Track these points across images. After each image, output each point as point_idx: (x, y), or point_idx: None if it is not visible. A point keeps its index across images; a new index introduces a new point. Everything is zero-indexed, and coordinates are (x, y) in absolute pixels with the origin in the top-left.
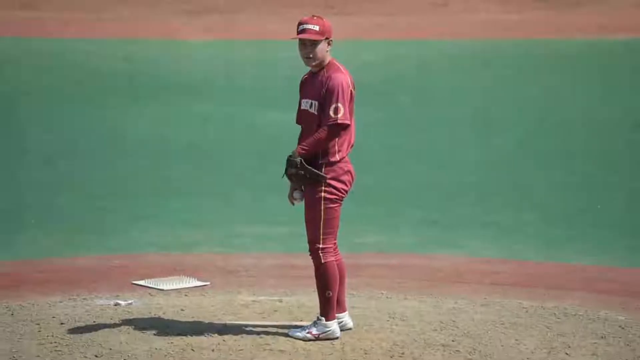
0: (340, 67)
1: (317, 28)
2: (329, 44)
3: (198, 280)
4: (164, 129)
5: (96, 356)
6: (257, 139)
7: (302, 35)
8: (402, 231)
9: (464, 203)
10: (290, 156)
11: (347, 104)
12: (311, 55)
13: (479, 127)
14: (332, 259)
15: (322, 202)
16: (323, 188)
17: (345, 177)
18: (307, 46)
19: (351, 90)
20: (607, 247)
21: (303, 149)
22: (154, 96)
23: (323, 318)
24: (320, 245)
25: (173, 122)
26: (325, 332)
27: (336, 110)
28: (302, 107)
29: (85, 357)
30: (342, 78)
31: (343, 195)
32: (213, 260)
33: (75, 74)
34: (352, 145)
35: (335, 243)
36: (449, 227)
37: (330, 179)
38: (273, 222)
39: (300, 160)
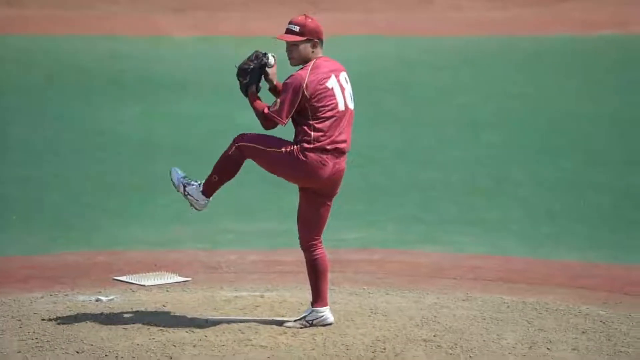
0: (317, 65)
1: (296, 29)
2: (313, 45)
3: (179, 276)
4: (150, 126)
5: (77, 352)
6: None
7: (279, 36)
8: (385, 227)
9: (447, 199)
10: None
11: (288, 103)
12: (290, 56)
13: (464, 124)
14: None
15: (283, 152)
16: (293, 150)
17: (314, 165)
18: (288, 46)
19: (322, 88)
20: (591, 243)
21: (253, 94)
22: (139, 93)
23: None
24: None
25: (159, 119)
26: (319, 317)
27: (275, 104)
28: None
29: (67, 353)
30: (296, 77)
31: (300, 176)
32: (195, 256)
33: (60, 71)
34: (338, 143)
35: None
36: (432, 224)
37: (300, 155)
38: (256, 219)
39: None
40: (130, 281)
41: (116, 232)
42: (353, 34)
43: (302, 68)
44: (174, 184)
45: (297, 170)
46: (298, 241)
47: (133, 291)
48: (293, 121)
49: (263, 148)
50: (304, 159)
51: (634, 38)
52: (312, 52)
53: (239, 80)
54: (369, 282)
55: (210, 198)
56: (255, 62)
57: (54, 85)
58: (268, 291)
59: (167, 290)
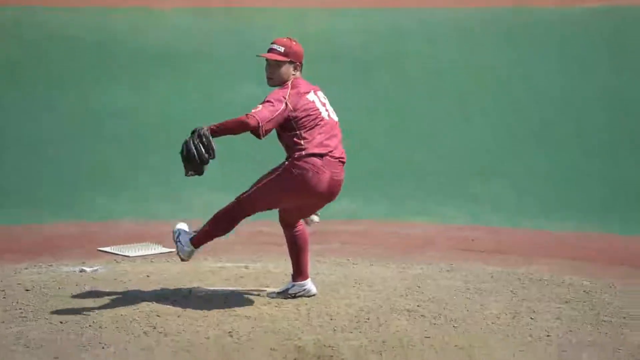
0: (295, 83)
1: (281, 49)
2: (295, 68)
3: (164, 247)
4: (138, 100)
5: (61, 322)
6: (232, 110)
7: (263, 54)
8: (371, 199)
9: (435, 173)
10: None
11: (269, 108)
12: (270, 76)
13: (454, 98)
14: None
15: (275, 175)
16: (285, 167)
17: (310, 175)
18: (270, 65)
19: (304, 100)
20: (576, 214)
21: (214, 126)
22: (127, 67)
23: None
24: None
25: (147, 93)
26: (301, 291)
27: (255, 107)
28: None
29: (51, 323)
30: (277, 91)
31: (301, 193)
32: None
33: (46, 44)
34: (328, 147)
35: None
36: (418, 197)
37: (290, 168)
38: (241, 190)
39: (205, 131)
40: (114, 252)
41: (99, 204)
42: (343, 6)
43: (281, 87)
44: (173, 230)
45: (295, 184)
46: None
47: (117, 262)
48: (281, 140)
49: (258, 186)
50: (298, 171)
51: (625, 9)
52: (293, 74)
53: (198, 159)
54: (354, 253)
55: (198, 249)
56: (197, 139)
57: (41, 59)
58: (252, 262)
59: (152, 261)
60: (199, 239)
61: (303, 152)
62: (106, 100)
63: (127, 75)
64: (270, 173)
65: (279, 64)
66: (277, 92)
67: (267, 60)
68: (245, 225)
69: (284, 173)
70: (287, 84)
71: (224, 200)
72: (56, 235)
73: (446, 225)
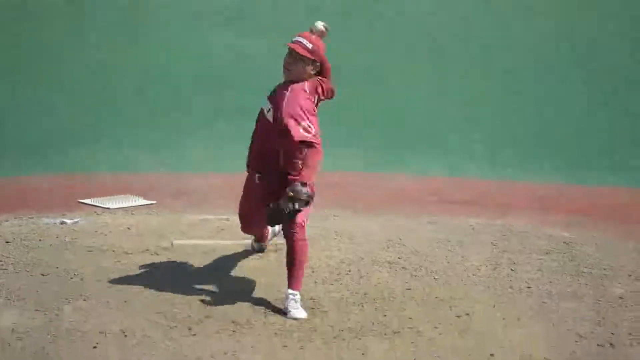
0: (311, 84)
1: (309, 46)
2: (314, 68)
3: (144, 199)
4: (113, 52)
5: (42, 275)
6: (209, 63)
7: (293, 45)
8: (351, 151)
9: (412, 123)
10: (297, 190)
11: (316, 122)
12: (289, 67)
13: (430, 48)
14: None
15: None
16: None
17: None
18: (291, 56)
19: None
20: (556, 165)
21: (311, 180)
22: (101, 18)
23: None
24: None
25: (122, 45)
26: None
27: (308, 131)
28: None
29: (32, 275)
30: (310, 102)
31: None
32: (161, 179)
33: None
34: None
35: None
36: (397, 147)
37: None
38: (221, 143)
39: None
40: (95, 204)
41: (79, 156)
42: None
43: (301, 88)
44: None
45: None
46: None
47: (98, 214)
48: (282, 146)
49: (306, 207)
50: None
51: None
52: (310, 74)
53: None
54: (334, 205)
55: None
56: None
57: (10, 12)
58: (234, 214)
59: (132, 214)
60: (299, 280)
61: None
62: (81, 56)
63: (99, 24)
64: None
65: (304, 59)
66: (307, 103)
67: (291, 51)
68: (227, 178)
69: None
70: (306, 88)
71: (208, 152)
72: (35, 188)
73: (425, 177)
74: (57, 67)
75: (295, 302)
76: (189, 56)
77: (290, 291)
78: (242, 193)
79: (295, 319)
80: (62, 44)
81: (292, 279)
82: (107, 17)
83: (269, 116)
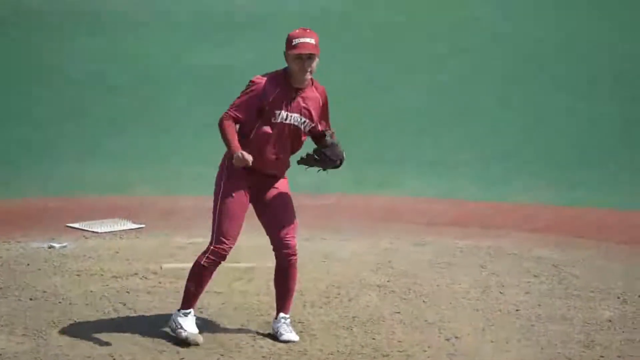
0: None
1: (313, 42)
2: (318, 57)
3: (133, 222)
4: (102, 65)
5: (31, 299)
6: (197, 77)
7: (312, 48)
8: (338, 171)
9: (400, 143)
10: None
11: None
12: (309, 69)
13: (422, 59)
14: None
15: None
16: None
17: None
18: (305, 60)
19: None
20: (544, 185)
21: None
22: (91, 31)
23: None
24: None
25: (111, 58)
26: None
27: (328, 127)
28: (285, 121)
29: (20, 300)
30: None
31: None
32: (149, 202)
33: (8, 9)
34: None
35: None
36: (385, 167)
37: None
38: (210, 163)
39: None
40: (83, 228)
41: (68, 177)
42: None
43: (314, 85)
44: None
45: None
46: None
47: (86, 238)
48: (297, 140)
49: (291, 203)
50: None
51: None
52: None
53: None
54: (323, 227)
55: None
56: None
57: (4, 24)
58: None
59: (121, 238)
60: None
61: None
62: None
63: (89, 37)
64: (287, 189)
65: (314, 56)
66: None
67: (307, 54)
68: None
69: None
70: (313, 84)
71: (194, 170)
72: (23, 210)
73: (413, 198)
74: (49, 83)
75: (288, 325)
76: (184, 74)
77: (284, 315)
78: (222, 200)
79: (289, 341)
80: (54, 61)
81: (288, 303)
82: (100, 31)
83: (293, 121)
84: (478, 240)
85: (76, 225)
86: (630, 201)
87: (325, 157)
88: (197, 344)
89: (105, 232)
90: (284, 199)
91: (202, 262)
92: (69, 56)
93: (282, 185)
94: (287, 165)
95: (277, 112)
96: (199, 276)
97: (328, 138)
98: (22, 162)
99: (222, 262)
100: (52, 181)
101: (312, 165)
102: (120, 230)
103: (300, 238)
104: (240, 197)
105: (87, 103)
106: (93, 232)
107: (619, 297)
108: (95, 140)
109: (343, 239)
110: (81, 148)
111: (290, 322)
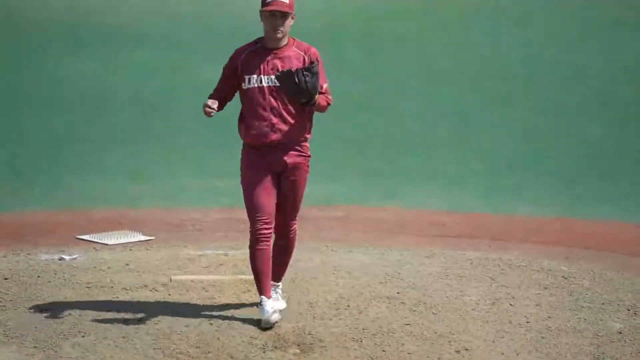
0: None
1: (286, 0)
2: (292, 18)
3: (143, 234)
4: (108, 79)
5: (41, 311)
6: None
7: (273, 7)
8: (347, 183)
9: (409, 154)
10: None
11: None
12: (281, 29)
13: (423, 75)
14: None
15: (306, 177)
16: (308, 164)
17: None
18: (278, 18)
19: None
20: (553, 197)
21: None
22: (96, 45)
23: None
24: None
25: (117, 72)
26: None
27: (327, 92)
28: (261, 84)
29: (30, 312)
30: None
31: None
32: (158, 214)
33: (16, 25)
34: None
35: None
36: (394, 178)
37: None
38: (219, 175)
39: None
40: (93, 240)
41: (77, 190)
42: None
43: (301, 43)
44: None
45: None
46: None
47: (96, 250)
48: (298, 112)
49: (302, 190)
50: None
51: None
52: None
53: (307, 83)
54: (332, 239)
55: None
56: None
57: (11, 39)
58: (232, 249)
59: (131, 249)
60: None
61: (308, 140)
62: (74, 78)
63: (95, 51)
64: (305, 177)
65: (287, 15)
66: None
67: (276, 12)
68: (225, 213)
69: (308, 165)
70: (295, 44)
71: (195, 184)
72: (33, 222)
73: (423, 211)
74: (55, 97)
75: (276, 292)
76: (179, 81)
77: (274, 282)
78: (245, 174)
79: (274, 309)
80: (61, 75)
81: (280, 272)
82: (106, 45)
83: (271, 83)
84: (487, 253)
85: (86, 237)
86: None
87: (304, 81)
88: (268, 327)
89: (115, 244)
90: (296, 192)
91: (250, 250)
92: (75, 69)
93: (301, 177)
94: (299, 133)
95: (247, 77)
96: (253, 263)
97: (315, 68)
98: (31, 174)
99: (267, 243)
100: (61, 194)
101: (284, 84)
102: (130, 242)
103: (310, 250)
104: (261, 177)
105: (93, 116)
106: (103, 244)
107: (629, 309)
108: (101, 153)
109: (352, 250)
110: (89, 161)
111: (281, 292)
